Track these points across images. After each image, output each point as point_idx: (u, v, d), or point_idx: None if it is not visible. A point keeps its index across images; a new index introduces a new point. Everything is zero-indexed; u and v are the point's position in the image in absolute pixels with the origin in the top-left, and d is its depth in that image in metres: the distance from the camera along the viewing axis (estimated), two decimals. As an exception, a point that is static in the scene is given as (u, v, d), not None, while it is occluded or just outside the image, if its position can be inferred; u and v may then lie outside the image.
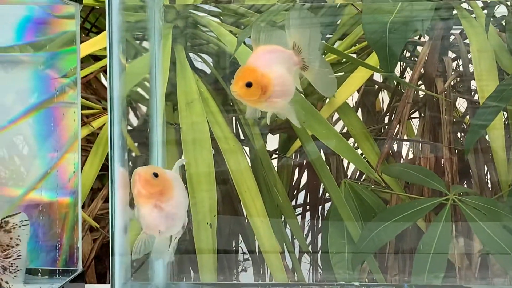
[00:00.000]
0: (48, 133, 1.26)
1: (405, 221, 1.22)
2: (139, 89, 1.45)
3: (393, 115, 1.69)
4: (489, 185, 1.49)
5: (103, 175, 1.57)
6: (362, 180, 1.54)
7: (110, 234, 0.97)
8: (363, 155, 1.53)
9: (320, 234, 1.61)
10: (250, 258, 1.59)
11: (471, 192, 1.33)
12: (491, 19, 1.42)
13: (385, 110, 1.74)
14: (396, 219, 1.22)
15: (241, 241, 1.59)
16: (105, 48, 1.38)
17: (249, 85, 0.85)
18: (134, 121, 1.53)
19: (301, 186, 1.71)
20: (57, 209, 1.21)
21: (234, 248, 1.58)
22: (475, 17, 1.47)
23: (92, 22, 1.64)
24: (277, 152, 1.64)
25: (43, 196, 1.20)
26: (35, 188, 1.20)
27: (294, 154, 1.57)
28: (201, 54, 1.48)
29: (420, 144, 1.52)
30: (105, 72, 1.58)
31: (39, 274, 1.12)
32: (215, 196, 1.24)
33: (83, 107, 1.47)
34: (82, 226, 1.47)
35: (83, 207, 1.51)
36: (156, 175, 0.91)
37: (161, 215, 0.93)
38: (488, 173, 1.50)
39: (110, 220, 0.98)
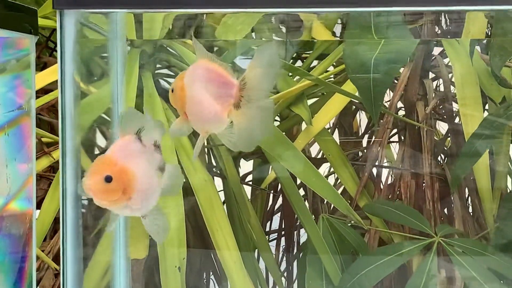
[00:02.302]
0: (16, 150, 1.18)
1: (388, 265, 1.15)
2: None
3: (372, 138, 1.64)
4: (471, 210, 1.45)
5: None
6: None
7: (61, 274, 0.89)
8: (340, 182, 1.47)
9: (296, 263, 1.55)
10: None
11: (457, 232, 1.27)
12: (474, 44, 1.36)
13: (363, 131, 1.69)
14: (379, 263, 1.15)
15: (212, 274, 1.53)
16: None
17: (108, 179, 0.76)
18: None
19: (276, 209, 1.65)
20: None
21: (205, 281, 1.51)
22: (457, 40, 1.41)
23: (55, 42, 1.55)
24: (251, 179, 1.57)
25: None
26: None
27: (267, 187, 1.50)
28: (170, 80, 1.40)
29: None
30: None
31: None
32: (184, 238, 1.16)
33: (44, 136, 1.38)
34: (42, 263, 1.39)
35: (44, 239, 1.42)
36: (109, 179, 0.74)
37: (136, 207, 0.80)
38: (470, 199, 1.46)
39: (61, 261, 0.89)
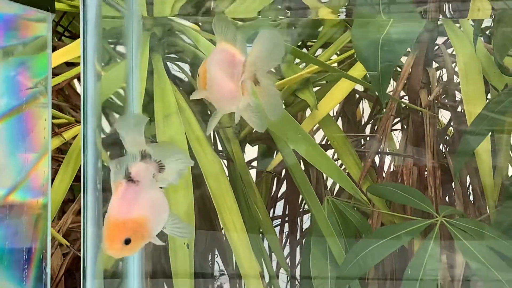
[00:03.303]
0: (17, 143, 1.20)
1: (392, 244, 1.18)
2: (112, 97, 1.39)
3: (375, 126, 1.66)
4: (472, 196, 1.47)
5: (75, 186, 1.50)
6: (342, 192, 1.50)
7: (82, 255, 0.91)
8: (344, 167, 1.49)
9: (299, 248, 1.57)
10: (226, 273, 1.54)
11: (459, 213, 1.29)
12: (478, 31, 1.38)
13: (366, 119, 1.71)
14: (383, 242, 1.17)
15: (217, 255, 1.55)
16: (78, 56, 1.32)
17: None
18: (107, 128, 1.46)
19: (279, 195, 1.67)
20: (28, 214, 1.14)
21: (210, 263, 1.54)
22: (460, 27, 1.44)
23: (65, 26, 1.57)
24: (256, 162, 1.59)
25: (15, 200, 1.13)
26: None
27: (272, 170, 1.52)
28: (179, 63, 1.42)
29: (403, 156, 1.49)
30: (78, 79, 1.51)
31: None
32: (193, 215, 1.19)
33: (55, 117, 1.40)
34: (51, 242, 1.41)
35: (53, 220, 1.45)
36: (128, 241, 0.77)
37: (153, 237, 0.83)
38: (471, 185, 1.48)
39: (82, 241, 0.92)
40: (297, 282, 1.47)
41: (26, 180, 1.16)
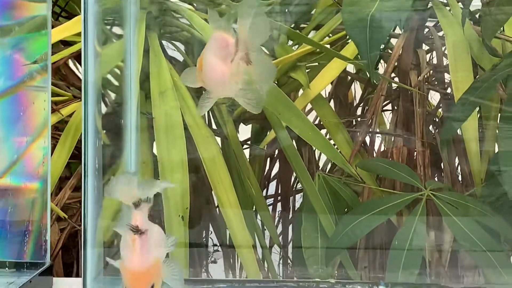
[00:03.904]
0: (16, 119, 1.23)
1: (380, 216, 1.21)
2: (108, 76, 1.42)
3: (366, 107, 1.69)
4: (460, 178, 1.50)
5: (72, 164, 1.53)
6: (333, 171, 1.54)
7: (83, 226, 0.94)
8: (336, 146, 1.52)
9: (291, 227, 1.60)
10: (220, 249, 1.57)
11: (445, 187, 1.33)
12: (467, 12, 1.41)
13: (357, 101, 1.74)
14: (370, 214, 1.21)
15: (211, 232, 1.58)
16: (75, 34, 1.35)
17: None
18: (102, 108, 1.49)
19: (272, 176, 1.70)
20: (24, 198, 1.17)
21: (204, 239, 1.57)
22: (450, 10, 1.47)
23: (62, 7, 1.59)
24: (249, 142, 1.62)
25: (11, 184, 1.16)
26: (2, 177, 1.16)
27: (266, 145, 1.55)
28: (174, 42, 1.45)
29: (393, 136, 1.52)
30: (75, 58, 1.54)
31: (7, 267, 1.09)
32: (187, 188, 1.22)
33: (53, 94, 1.43)
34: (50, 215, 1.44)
35: (50, 196, 1.47)
36: (153, 287, 0.84)
37: None
38: (459, 166, 1.51)
39: (82, 212, 0.95)
40: (289, 256, 1.50)
41: (21, 162, 1.19)
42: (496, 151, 1.34)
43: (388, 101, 1.61)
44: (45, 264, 1.11)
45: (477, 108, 1.40)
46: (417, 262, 1.17)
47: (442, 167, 1.50)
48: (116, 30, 1.38)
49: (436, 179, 1.54)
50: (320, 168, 1.62)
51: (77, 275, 1.49)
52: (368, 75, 1.59)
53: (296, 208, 1.66)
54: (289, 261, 1.50)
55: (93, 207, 0.98)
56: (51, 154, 1.37)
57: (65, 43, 1.50)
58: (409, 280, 1.13)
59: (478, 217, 1.21)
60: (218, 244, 1.52)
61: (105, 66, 1.26)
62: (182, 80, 0.90)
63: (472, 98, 1.22)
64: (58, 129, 1.48)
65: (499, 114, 1.34)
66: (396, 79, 1.55)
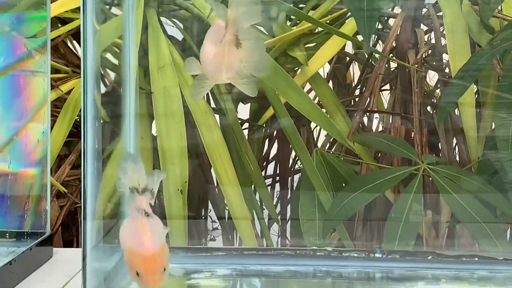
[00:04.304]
0: (14, 98, 1.23)
1: (376, 189, 1.22)
2: (108, 55, 1.42)
3: (364, 87, 1.69)
4: (457, 158, 1.50)
5: (71, 142, 1.54)
6: (332, 150, 1.55)
7: (82, 197, 0.95)
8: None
9: (290, 204, 1.61)
10: (219, 228, 1.58)
11: (442, 162, 1.34)
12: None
13: (356, 82, 1.74)
14: (367, 188, 1.22)
15: (210, 210, 1.59)
16: (72, 11, 1.36)
17: None
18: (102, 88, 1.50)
19: (271, 157, 1.71)
20: (23, 176, 1.18)
21: (204, 216, 1.58)
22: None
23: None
24: (248, 120, 1.63)
25: (9, 164, 1.17)
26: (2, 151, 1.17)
27: (264, 125, 1.56)
28: (174, 20, 1.46)
29: (391, 117, 1.53)
30: (72, 36, 1.55)
31: (7, 236, 1.10)
32: (186, 162, 1.23)
33: (51, 71, 1.44)
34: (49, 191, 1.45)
35: (50, 173, 1.48)
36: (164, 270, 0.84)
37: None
38: (457, 147, 1.52)
39: (82, 183, 0.95)
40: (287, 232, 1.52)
41: (20, 137, 1.20)
42: (493, 128, 1.36)
43: (386, 81, 1.62)
44: (45, 233, 1.12)
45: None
46: (412, 234, 1.18)
47: (440, 147, 1.51)
48: (115, 11, 1.38)
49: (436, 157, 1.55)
50: (318, 146, 1.62)
51: (78, 249, 1.50)
52: (366, 54, 1.61)
53: (294, 188, 1.67)
54: (287, 236, 1.51)
55: (93, 180, 0.99)
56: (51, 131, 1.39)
57: (63, 22, 1.51)
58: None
59: (474, 190, 1.21)
60: (217, 220, 1.53)
61: (103, 42, 1.26)
62: (185, 70, 0.91)
63: (468, 73, 1.23)
64: (56, 106, 1.49)
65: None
66: (394, 62, 1.55)
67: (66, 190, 1.37)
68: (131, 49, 1.19)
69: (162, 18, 1.42)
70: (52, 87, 1.39)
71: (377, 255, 1.04)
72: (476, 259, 1.03)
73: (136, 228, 0.84)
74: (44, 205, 1.14)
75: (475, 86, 1.43)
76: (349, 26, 1.47)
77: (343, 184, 1.33)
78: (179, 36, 1.50)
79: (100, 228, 1.03)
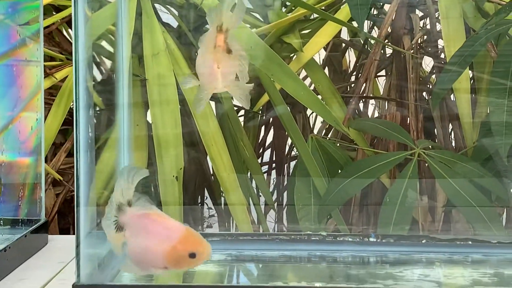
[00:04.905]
0: (8, 88, 1.23)
1: (371, 174, 1.22)
2: (104, 43, 1.42)
3: (360, 74, 1.69)
4: (453, 144, 1.50)
5: (66, 130, 1.54)
6: (328, 137, 1.55)
7: (75, 184, 0.95)
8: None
9: (286, 191, 1.62)
10: (215, 215, 1.59)
11: (437, 146, 1.34)
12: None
13: (351, 68, 1.74)
14: (362, 173, 1.22)
15: (206, 197, 1.59)
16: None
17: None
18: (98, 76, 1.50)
19: (267, 144, 1.71)
20: (18, 165, 1.18)
21: (200, 204, 1.58)
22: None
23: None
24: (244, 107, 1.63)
25: (2, 152, 1.17)
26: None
27: (260, 111, 1.56)
28: (168, 6, 1.45)
29: (386, 103, 1.52)
30: (67, 23, 1.55)
31: (1, 223, 1.10)
32: (181, 149, 1.23)
33: (46, 58, 1.43)
34: (45, 179, 1.45)
35: (45, 161, 1.49)
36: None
37: None
38: (453, 132, 1.52)
39: (75, 170, 0.95)
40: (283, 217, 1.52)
41: (13, 134, 1.20)
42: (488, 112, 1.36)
43: (382, 68, 1.62)
44: (40, 220, 1.12)
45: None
46: (407, 218, 1.18)
47: (436, 133, 1.51)
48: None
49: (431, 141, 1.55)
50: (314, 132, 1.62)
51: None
52: (362, 40, 1.61)
53: (291, 172, 1.67)
54: (283, 222, 1.51)
55: (85, 167, 0.98)
56: (46, 118, 1.39)
57: (57, 9, 1.51)
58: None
59: (469, 175, 1.22)
60: (213, 207, 1.54)
61: (97, 30, 1.26)
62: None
63: (463, 58, 1.22)
64: (51, 94, 1.49)
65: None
66: (390, 49, 1.55)
67: (61, 178, 1.37)
68: (124, 36, 1.19)
69: (157, 5, 1.42)
70: (47, 75, 1.39)
71: (371, 239, 1.04)
72: (470, 242, 1.03)
73: (153, 223, 0.83)
74: (39, 193, 1.14)
75: (470, 72, 1.43)
76: (344, 12, 1.46)
77: (339, 170, 1.33)
78: (175, 23, 1.49)
79: (94, 215, 1.03)
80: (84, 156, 0.95)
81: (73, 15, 0.96)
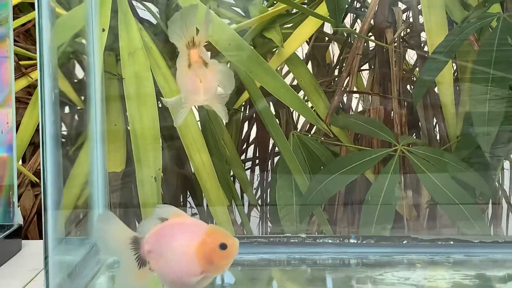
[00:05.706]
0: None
1: (353, 172, 1.21)
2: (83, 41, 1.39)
3: (343, 68, 1.67)
4: (438, 137, 1.49)
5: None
6: (312, 133, 1.53)
7: (42, 187, 0.90)
8: (313, 108, 1.51)
9: (269, 189, 1.60)
10: (197, 213, 1.57)
11: (419, 143, 1.32)
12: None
13: (335, 62, 1.72)
14: (344, 170, 1.20)
15: (189, 196, 1.57)
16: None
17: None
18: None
19: (250, 140, 1.69)
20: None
21: (182, 203, 1.56)
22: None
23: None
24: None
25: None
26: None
27: (242, 107, 1.54)
28: (145, 3, 1.42)
29: (370, 96, 1.51)
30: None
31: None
32: (160, 149, 1.21)
33: (23, 58, 1.41)
34: (22, 181, 1.42)
35: (24, 161, 1.46)
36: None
37: None
38: (437, 125, 1.50)
39: (42, 172, 0.91)
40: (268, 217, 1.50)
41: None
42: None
43: (365, 61, 1.60)
44: (13, 226, 1.10)
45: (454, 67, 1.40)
46: (389, 217, 1.16)
47: (420, 126, 1.49)
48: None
49: (414, 137, 1.53)
50: (298, 130, 1.61)
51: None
52: (345, 34, 1.59)
53: (273, 170, 1.66)
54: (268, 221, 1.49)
55: (53, 168, 0.94)
56: (22, 118, 1.36)
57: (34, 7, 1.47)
58: (382, 234, 1.12)
59: (450, 171, 1.20)
60: (195, 207, 1.52)
61: (71, 29, 1.23)
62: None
63: (443, 54, 1.21)
64: (29, 93, 1.47)
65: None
66: (373, 38, 1.53)
67: (38, 180, 1.34)
68: (95, 35, 1.16)
69: (134, 2, 1.39)
70: (22, 74, 1.36)
71: (351, 240, 1.02)
72: (452, 242, 1.02)
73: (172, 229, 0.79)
74: (12, 196, 1.12)
75: (454, 64, 1.41)
76: (325, 7, 1.44)
77: (321, 167, 1.31)
78: (153, 20, 1.47)
79: (66, 219, 1.00)
80: (51, 156, 0.91)
81: (36, 15, 0.93)
